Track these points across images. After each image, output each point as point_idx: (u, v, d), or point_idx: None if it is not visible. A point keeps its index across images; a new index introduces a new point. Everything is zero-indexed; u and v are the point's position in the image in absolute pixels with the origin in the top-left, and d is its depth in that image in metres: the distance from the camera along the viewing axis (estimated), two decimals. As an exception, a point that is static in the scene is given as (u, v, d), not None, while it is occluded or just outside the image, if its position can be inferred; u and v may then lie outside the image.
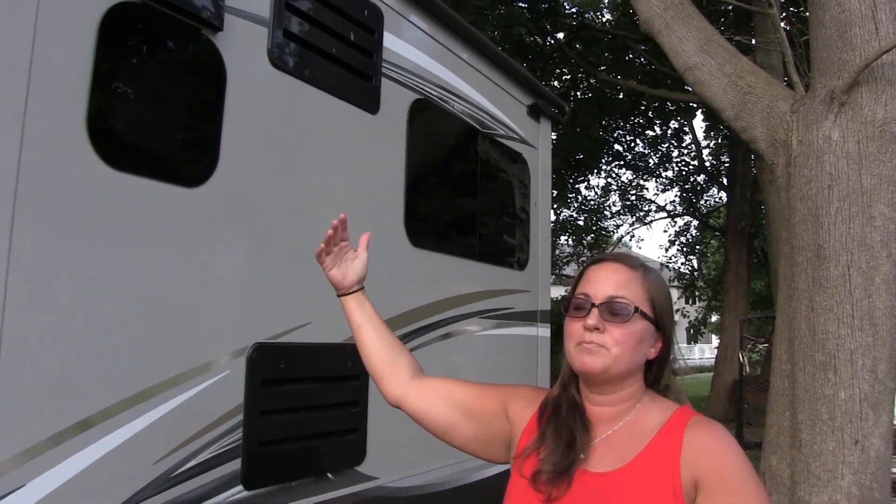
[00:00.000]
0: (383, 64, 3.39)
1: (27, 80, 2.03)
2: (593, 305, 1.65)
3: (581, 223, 21.53)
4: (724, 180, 18.80)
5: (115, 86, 2.32)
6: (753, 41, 10.40)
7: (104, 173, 2.21)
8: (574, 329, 1.67)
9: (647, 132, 19.55)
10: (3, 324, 1.94)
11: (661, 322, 1.70)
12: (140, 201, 2.31)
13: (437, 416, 1.87)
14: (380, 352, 1.93)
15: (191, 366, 2.43)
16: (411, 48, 3.65)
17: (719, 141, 19.31)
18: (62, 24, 2.12)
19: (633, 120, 18.43)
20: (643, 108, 17.22)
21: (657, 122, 18.88)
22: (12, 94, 2.00)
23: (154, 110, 2.46)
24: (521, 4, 12.46)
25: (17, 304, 1.97)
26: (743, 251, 16.59)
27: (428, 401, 1.88)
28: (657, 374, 1.76)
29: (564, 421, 1.70)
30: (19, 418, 1.98)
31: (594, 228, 21.87)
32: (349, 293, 1.95)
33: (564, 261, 21.35)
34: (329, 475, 3.00)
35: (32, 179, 2.02)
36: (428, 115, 3.78)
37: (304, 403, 2.89)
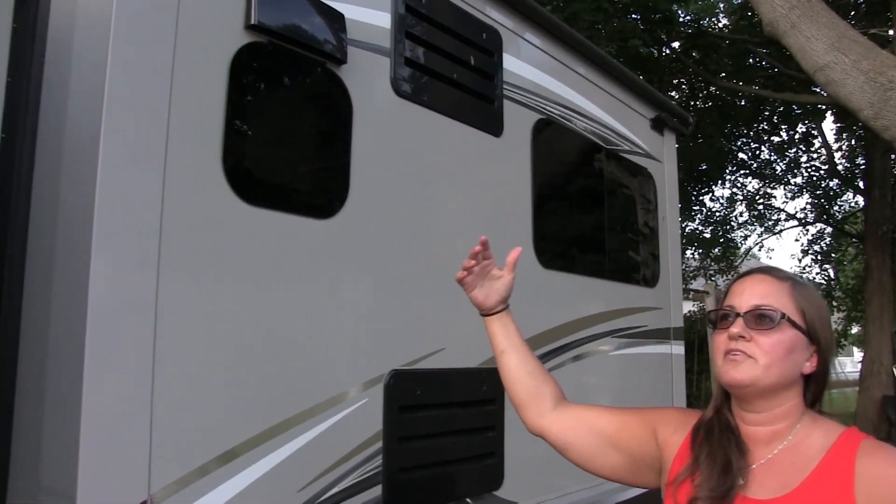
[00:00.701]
0: (504, 86, 3.38)
1: (166, 124, 2.12)
2: (738, 315, 1.57)
3: (707, 236, 20.81)
4: (861, 183, 17.72)
5: (247, 123, 2.39)
6: (892, 32, 9.79)
7: (240, 209, 2.28)
8: (720, 341, 1.59)
9: (773, 138, 18.72)
10: (155, 361, 2.02)
11: (815, 334, 1.58)
12: (275, 235, 2.37)
13: (581, 446, 1.81)
14: (522, 379, 1.87)
15: (330, 395, 2.46)
16: (531, 68, 3.62)
17: (853, 142, 18.26)
18: (195, 68, 2.21)
19: (756, 127, 17.67)
20: (767, 113, 16.51)
21: (783, 127, 18.03)
22: (154, 138, 2.09)
23: (285, 145, 2.54)
24: (634, 16, 12.24)
25: (165, 340, 2.04)
26: (886, 258, 15.52)
27: (572, 431, 1.82)
28: (816, 391, 1.63)
29: (718, 444, 1.60)
30: (170, 450, 2.05)
31: (721, 240, 21.08)
32: (492, 314, 1.90)
33: (691, 275, 20.67)
34: (468, 500, 2.97)
35: (174, 219, 2.10)
36: (551, 134, 3.74)
37: (441, 429, 2.88)
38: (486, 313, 1.90)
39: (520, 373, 1.87)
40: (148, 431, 1.98)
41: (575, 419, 1.83)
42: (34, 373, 1.98)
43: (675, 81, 15.31)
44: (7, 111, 2.29)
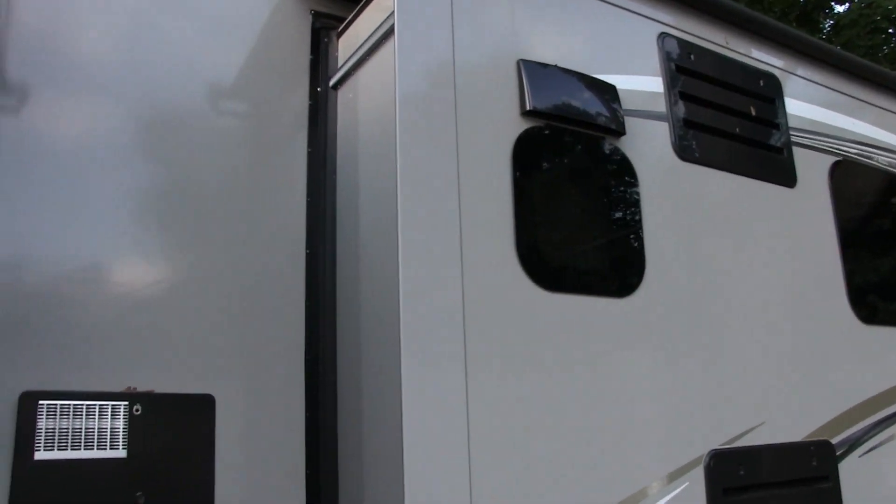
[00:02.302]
0: (791, 132, 3.13)
1: (458, 220, 2.16)
2: None
3: None
4: None
5: (535, 208, 2.39)
6: None
7: (539, 296, 2.25)
8: None
9: None
10: (471, 463, 2.01)
11: None
12: (576, 318, 2.31)
13: None
14: None
15: (651, 480, 2.34)
16: (817, 108, 3.33)
17: None
18: (479, 162, 2.26)
19: None
20: None
21: None
22: (449, 234, 2.14)
23: (575, 225, 2.50)
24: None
25: (478, 435, 2.03)
26: None
27: None
28: None
29: None
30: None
31: None
32: None
33: None
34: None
35: (477, 313, 2.13)
36: (851, 175, 3.39)
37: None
38: None
39: None
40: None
41: None
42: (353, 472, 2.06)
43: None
44: (309, 225, 2.49)
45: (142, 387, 2.19)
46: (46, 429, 2.08)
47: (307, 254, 2.51)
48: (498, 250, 2.23)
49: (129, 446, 2.14)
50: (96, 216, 2.23)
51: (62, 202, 2.19)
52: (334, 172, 2.58)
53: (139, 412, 2.18)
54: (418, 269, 2.04)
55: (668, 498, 2.35)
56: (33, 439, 2.06)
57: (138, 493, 2.13)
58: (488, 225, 2.23)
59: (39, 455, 2.06)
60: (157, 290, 2.28)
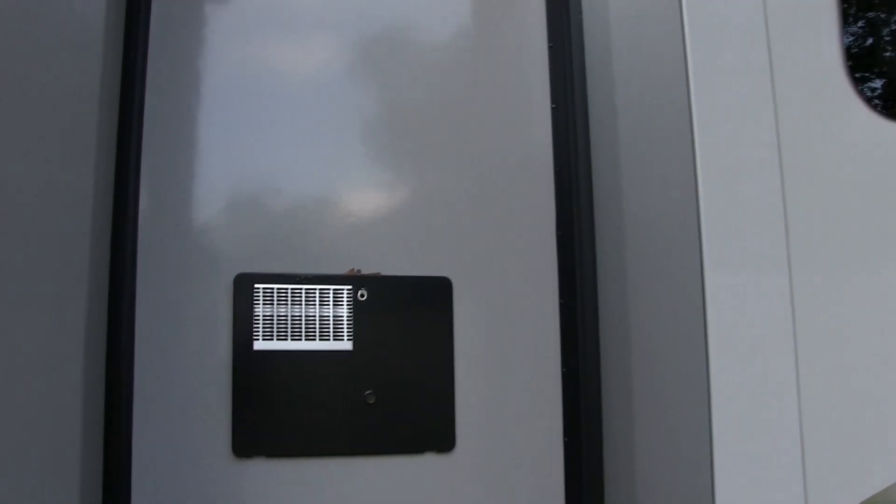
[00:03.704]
0: None
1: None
2: None
3: None
4: None
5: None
6: None
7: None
8: None
9: None
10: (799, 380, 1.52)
11: None
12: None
13: None
14: None
15: None
16: None
17: None
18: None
19: None
20: None
21: None
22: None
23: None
24: None
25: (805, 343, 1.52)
26: None
27: None
28: None
29: None
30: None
31: None
32: None
33: None
34: None
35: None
36: None
37: None
38: None
39: None
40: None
41: None
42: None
43: None
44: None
45: (367, 270, 1.87)
46: (264, 315, 1.81)
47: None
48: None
49: (355, 337, 1.84)
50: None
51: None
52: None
53: (364, 298, 1.86)
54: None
55: None
56: (251, 326, 1.80)
57: (367, 392, 1.84)
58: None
59: (258, 345, 1.80)
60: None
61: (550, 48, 2.06)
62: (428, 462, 1.87)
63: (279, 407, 1.80)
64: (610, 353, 1.88)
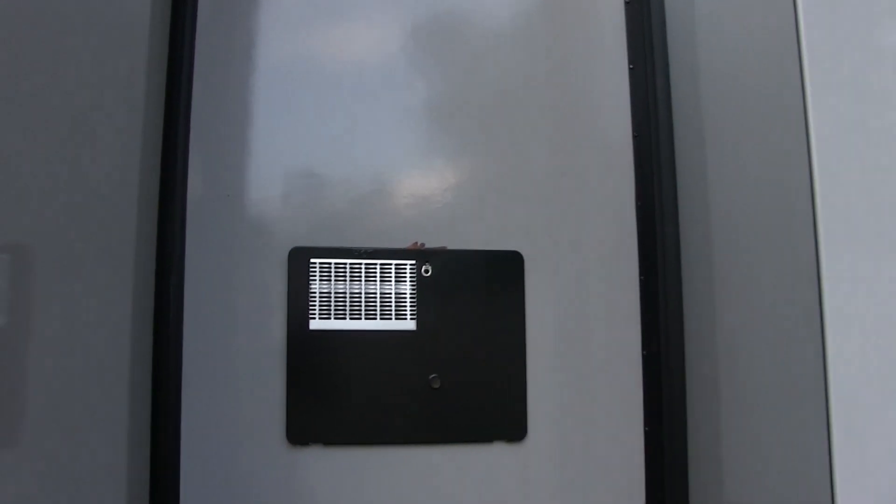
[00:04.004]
0: None
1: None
2: None
3: None
4: None
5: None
6: None
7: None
8: None
9: None
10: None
11: None
12: None
13: None
14: None
15: None
16: None
17: None
18: None
19: None
20: None
21: None
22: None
23: None
24: None
25: None
26: None
27: None
28: None
29: None
30: None
31: None
32: None
33: None
34: None
35: None
36: None
37: None
38: None
39: None
40: None
41: None
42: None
43: None
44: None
45: (431, 243, 1.73)
46: (321, 293, 1.68)
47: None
48: None
49: (419, 316, 1.71)
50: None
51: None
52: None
53: (429, 273, 1.72)
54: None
55: None
56: (306, 304, 1.67)
57: (432, 376, 1.70)
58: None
59: (314, 324, 1.67)
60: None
61: (627, 4, 1.90)
62: (497, 452, 1.73)
63: (336, 391, 1.68)
64: (696, 336, 1.73)
